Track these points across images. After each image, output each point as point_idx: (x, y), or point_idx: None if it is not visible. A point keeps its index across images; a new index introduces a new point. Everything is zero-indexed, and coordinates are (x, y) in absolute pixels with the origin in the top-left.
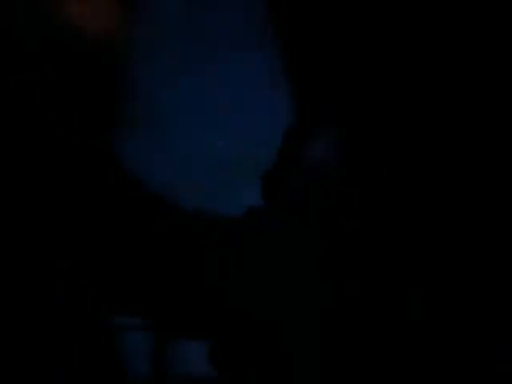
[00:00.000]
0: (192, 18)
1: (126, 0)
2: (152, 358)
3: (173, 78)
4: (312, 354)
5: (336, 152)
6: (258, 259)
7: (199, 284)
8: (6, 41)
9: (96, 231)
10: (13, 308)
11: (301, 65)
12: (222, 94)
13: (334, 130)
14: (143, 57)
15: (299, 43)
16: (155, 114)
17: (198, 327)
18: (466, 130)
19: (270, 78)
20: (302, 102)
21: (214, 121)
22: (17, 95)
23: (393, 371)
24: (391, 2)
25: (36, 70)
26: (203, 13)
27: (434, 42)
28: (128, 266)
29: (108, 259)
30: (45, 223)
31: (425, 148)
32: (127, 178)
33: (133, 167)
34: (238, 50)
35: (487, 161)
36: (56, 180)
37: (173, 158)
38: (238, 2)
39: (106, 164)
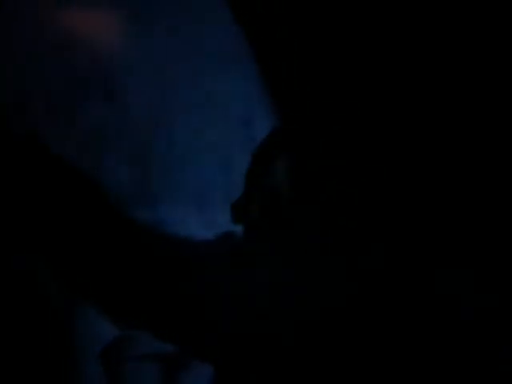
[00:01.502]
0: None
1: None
2: None
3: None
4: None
5: (293, 176)
6: (238, 278)
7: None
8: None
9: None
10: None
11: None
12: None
13: (293, 155)
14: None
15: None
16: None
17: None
18: (456, 132)
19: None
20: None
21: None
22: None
23: (393, 371)
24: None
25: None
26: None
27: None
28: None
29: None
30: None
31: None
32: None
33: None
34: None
35: (487, 161)
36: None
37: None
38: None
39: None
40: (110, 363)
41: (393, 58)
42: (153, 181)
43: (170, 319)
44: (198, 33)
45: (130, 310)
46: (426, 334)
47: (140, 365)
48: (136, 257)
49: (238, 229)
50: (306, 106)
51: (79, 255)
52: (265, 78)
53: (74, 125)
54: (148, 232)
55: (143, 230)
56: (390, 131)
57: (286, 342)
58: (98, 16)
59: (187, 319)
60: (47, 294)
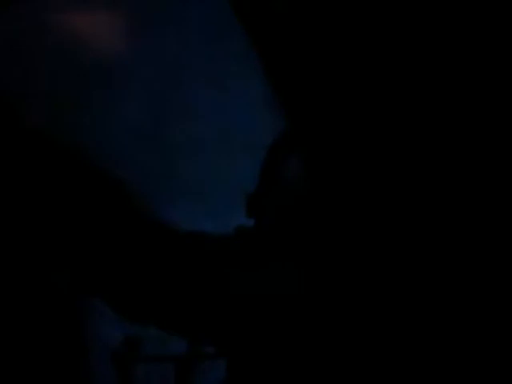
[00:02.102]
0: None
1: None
2: None
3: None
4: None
5: (307, 172)
6: (250, 271)
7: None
8: None
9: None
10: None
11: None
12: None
13: (306, 153)
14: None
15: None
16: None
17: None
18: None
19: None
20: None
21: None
22: None
23: (393, 371)
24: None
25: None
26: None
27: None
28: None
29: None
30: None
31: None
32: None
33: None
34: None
35: (487, 165)
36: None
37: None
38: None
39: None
40: (122, 364)
41: (393, 58)
42: (160, 178)
43: (182, 318)
44: (209, 43)
45: (143, 308)
46: (425, 334)
47: (151, 366)
48: (148, 255)
49: (250, 223)
50: (310, 106)
51: (92, 254)
52: (270, 79)
53: (78, 121)
54: (158, 231)
55: (153, 229)
56: (391, 131)
57: (292, 337)
58: (109, 19)
59: (199, 317)
60: (59, 294)
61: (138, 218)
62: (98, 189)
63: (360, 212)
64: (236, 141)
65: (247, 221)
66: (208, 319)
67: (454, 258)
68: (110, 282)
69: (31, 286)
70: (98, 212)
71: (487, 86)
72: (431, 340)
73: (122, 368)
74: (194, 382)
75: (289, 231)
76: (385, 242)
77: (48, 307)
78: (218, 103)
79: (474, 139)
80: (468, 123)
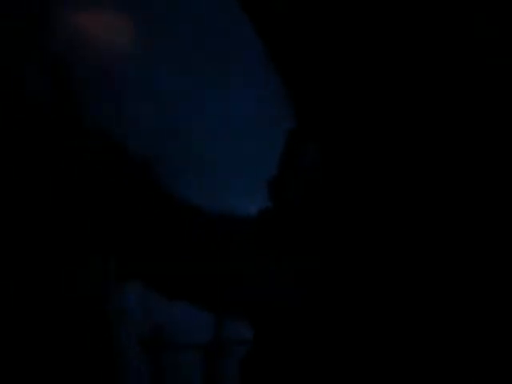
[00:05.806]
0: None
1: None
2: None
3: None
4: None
5: (328, 158)
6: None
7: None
8: None
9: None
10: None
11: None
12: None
13: (326, 139)
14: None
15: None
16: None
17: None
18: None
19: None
20: (298, 116)
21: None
22: None
23: (392, 371)
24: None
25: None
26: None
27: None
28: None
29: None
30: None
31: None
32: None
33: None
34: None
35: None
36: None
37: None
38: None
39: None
40: (150, 351)
41: (395, 58)
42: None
43: (206, 291)
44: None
45: (169, 280)
46: (425, 334)
47: (179, 354)
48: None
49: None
50: (323, 97)
51: (118, 232)
52: (283, 71)
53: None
54: (181, 210)
55: (177, 208)
56: (392, 131)
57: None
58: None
59: (218, 290)
60: (89, 285)
61: (162, 198)
62: (122, 171)
63: (371, 203)
64: (249, 127)
65: (268, 204)
66: (226, 293)
67: (454, 257)
68: (136, 256)
69: (63, 275)
70: (122, 192)
71: (487, 86)
72: (431, 340)
73: (151, 356)
74: (219, 368)
75: (306, 216)
76: (393, 233)
77: (77, 298)
78: (232, 95)
79: (474, 139)
80: (469, 123)
